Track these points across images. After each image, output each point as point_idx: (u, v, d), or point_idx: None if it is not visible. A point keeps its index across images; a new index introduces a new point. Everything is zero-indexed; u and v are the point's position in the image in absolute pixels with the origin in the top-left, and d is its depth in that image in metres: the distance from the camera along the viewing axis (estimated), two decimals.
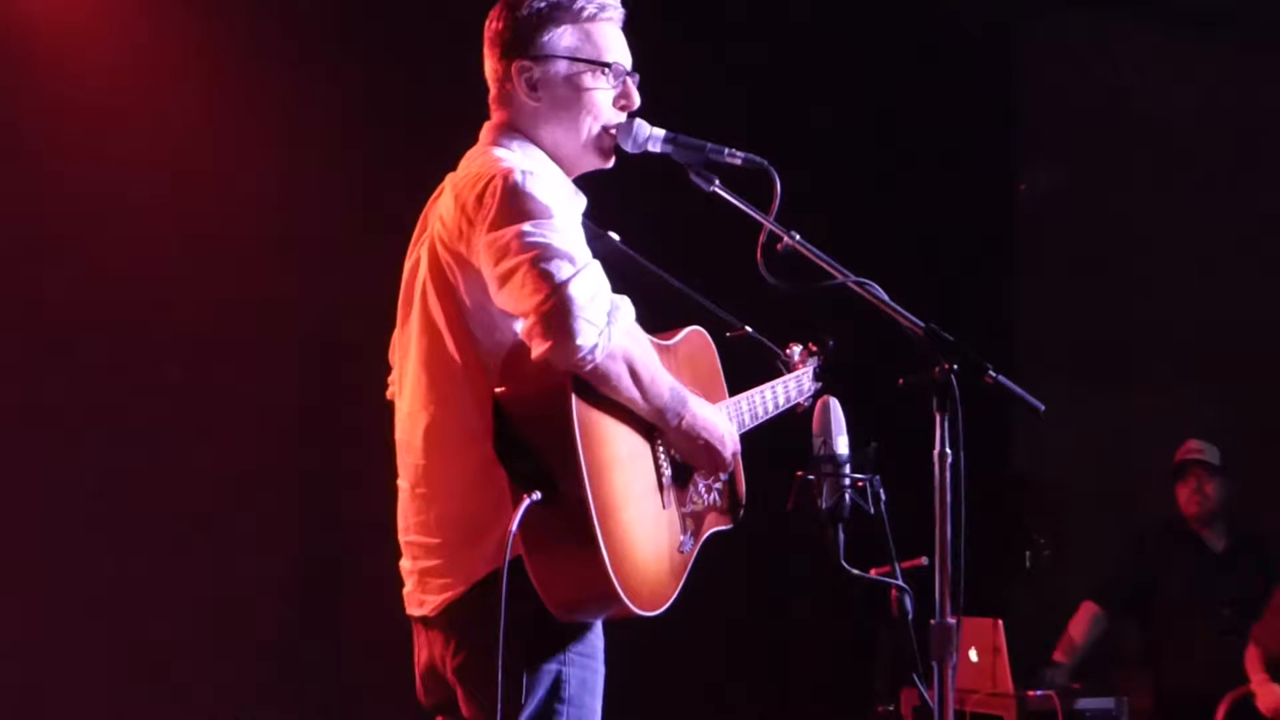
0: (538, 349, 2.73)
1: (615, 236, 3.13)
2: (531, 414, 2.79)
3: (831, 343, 3.53)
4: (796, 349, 3.53)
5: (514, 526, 2.72)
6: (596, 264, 2.80)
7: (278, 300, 5.86)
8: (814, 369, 3.52)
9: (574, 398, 2.77)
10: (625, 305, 2.82)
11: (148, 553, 5.63)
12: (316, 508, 6.02)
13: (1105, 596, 6.49)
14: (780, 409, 3.37)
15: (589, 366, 2.74)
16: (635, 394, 2.84)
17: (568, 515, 2.74)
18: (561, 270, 2.72)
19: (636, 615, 2.82)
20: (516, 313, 2.80)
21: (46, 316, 5.63)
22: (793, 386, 3.44)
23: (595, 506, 2.74)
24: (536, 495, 2.73)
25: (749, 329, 3.42)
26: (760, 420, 3.29)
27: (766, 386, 3.35)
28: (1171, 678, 6.36)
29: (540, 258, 2.73)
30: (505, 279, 2.77)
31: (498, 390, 2.82)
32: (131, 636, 5.58)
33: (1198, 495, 6.44)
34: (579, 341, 2.70)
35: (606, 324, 2.74)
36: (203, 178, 5.74)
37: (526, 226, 2.76)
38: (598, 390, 2.80)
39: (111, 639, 5.57)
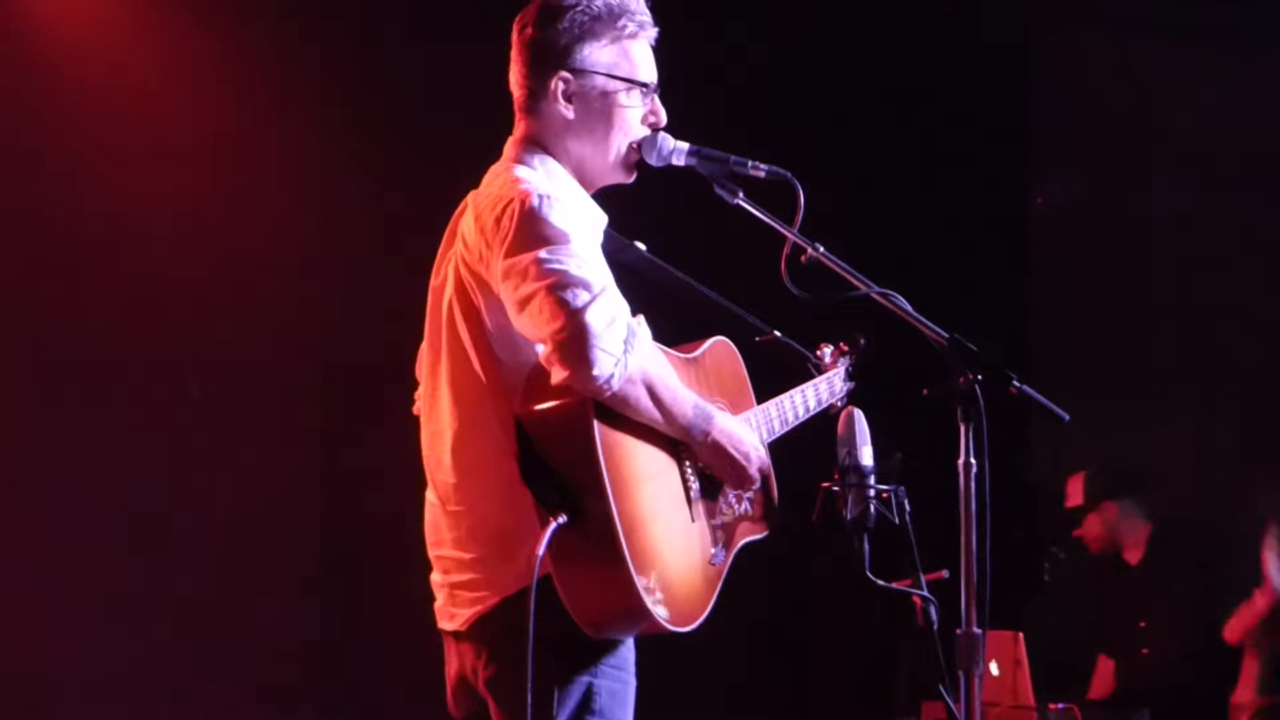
0: (556, 376, 2.74)
1: (642, 246, 3.13)
2: (554, 434, 2.80)
3: (863, 341, 3.52)
4: (828, 350, 3.52)
5: (541, 549, 2.73)
6: (614, 289, 2.80)
7: (299, 311, 5.87)
8: (846, 369, 3.51)
9: (595, 418, 2.78)
10: (642, 329, 2.83)
11: (170, 562, 5.66)
12: (338, 518, 6.04)
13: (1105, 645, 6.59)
14: (812, 412, 3.36)
15: (608, 393, 2.75)
16: (656, 415, 2.84)
17: (594, 534, 2.74)
18: (578, 298, 2.73)
19: (669, 631, 2.81)
20: (534, 339, 2.81)
21: (71, 322, 5.66)
22: (824, 388, 3.42)
23: (621, 523, 2.75)
24: (563, 518, 2.74)
25: (778, 333, 3.42)
26: (792, 425, 3.28)
27: (796, 391, 3.33)
28: (1119, 692, 6.44)
29: (557, 285, 2.74)
30: (523, 305, 2.78)
31: (519, 411, 2.83)
32: (150, 644, 5.60)
33: (1086, 539, 6.59)
34: (596, 371, 2.71)
35: (624, 351, 2.75)
36: (225, 189, 5.76)
37: (543, 253, 2.77)
38: (620, 413, 2.81)
39: (129, 647, 5.58)
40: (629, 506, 2.78)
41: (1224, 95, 6.99)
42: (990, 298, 6.91)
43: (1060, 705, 5.74)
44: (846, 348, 3.52)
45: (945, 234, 6.80)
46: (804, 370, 3.46)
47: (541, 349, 2.79)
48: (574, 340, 2.71)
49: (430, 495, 3.03)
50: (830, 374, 3.47)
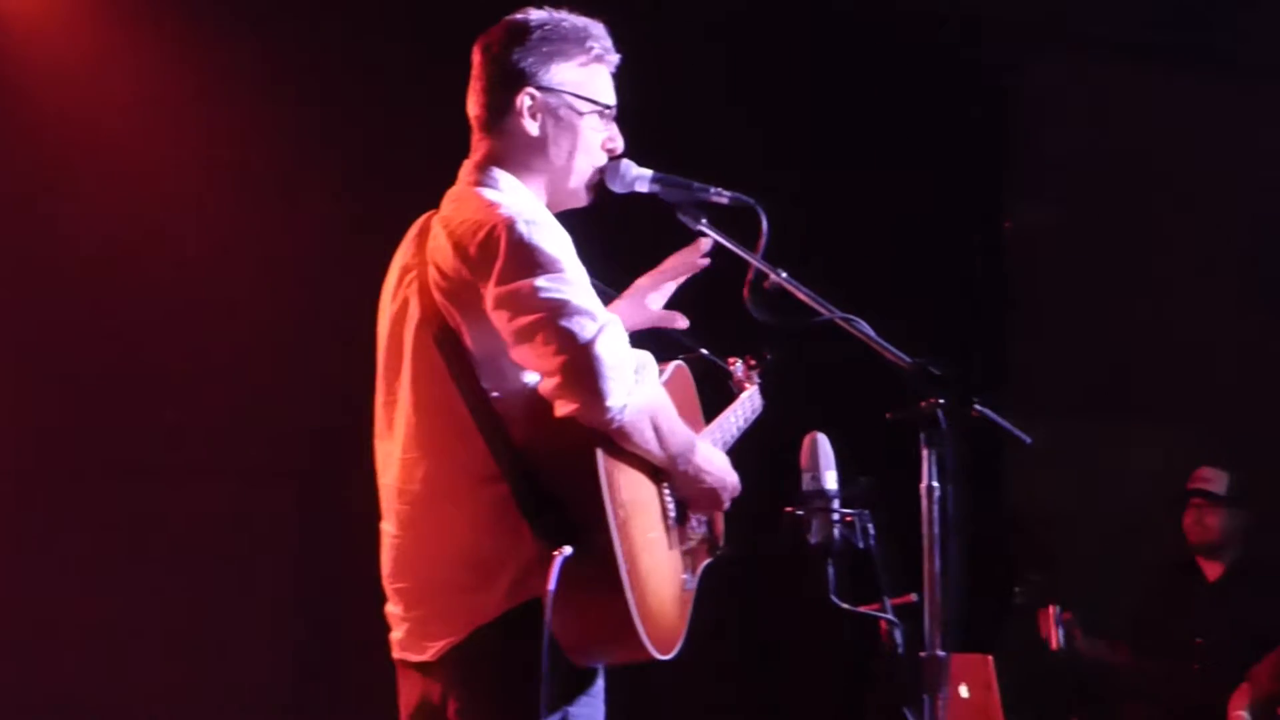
0: (563, 409, 2.71)
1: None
2: (558, 467, 2.77)
3: (769, 356, 3.54)
4: (738, 364, 3.55)
5: (551, 584, 2.68)
6: (617, 319, 2.77)
7: (276, 343, 5.86)
8: (758, 386, 3.53)
9: (599, 450, 2.76)
10: (649, 362, 2.83)
11: (141, 594, 5.65)
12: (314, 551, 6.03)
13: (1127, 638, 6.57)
14: (742, 431, 3.39)
15: (615, 425, 2.73)
16: (655, 446, 2.84)
17: (594, 564, 2.72)
18: (585, 328, 2.70)
19: (653, 660, 2.81)
20: (537, 370, 2.77)
21: (52, 344, 5.67)
22: (748, 406, 3.47)
23: (622, 556, 2.73)
24: (568, 550, 2.70)
25: (704, 351, 3.43)
26: (728, 446, 3.29)
27: (729, 412, 3.38)
28: (1155, 710, 6.40)
29: (560, 314, 2.71)
30: (524, 336, 2.74)
31: (520, 442, 2.78)
32: (115, 677, 5.60)
33: (1197, 526, 6.50)
34: (609, 402, 2.69)
35: (634, 383, 2.73)
36: (204, 213, 5.77)
37: (540, 281, 2.73)
38: (619, 444, 2.80)
39: (99, 680, 5.58)
40: (627, 538, 2.77)
41: (1209, 123, 7.03)
42: (969, 320, 6.94)
43: None
44: (754, 362, 3.54)
45: (917, 263, 6.82)
46: (724, 388, 3.48)
47: (541, 379, 2.76)
48: (584, 372, 2.68)
49: (389, 527, 2.97)
50: (749, 393, 3.50)
